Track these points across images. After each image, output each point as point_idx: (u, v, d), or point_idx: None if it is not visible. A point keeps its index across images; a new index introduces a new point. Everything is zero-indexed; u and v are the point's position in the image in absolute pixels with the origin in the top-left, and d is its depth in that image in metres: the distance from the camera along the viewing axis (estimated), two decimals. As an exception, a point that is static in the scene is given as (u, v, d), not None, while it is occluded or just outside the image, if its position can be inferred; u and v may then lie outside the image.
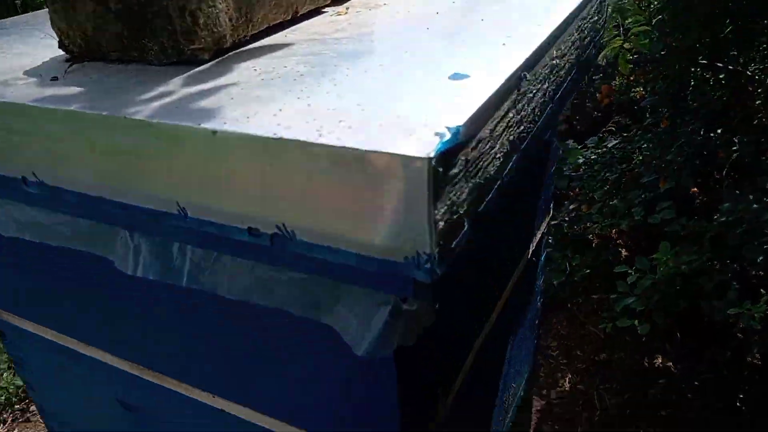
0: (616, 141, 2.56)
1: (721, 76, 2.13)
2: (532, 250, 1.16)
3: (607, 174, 2.44)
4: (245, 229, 0.50)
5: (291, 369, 0.67)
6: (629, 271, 1.92)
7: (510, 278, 1.01)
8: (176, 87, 0.58)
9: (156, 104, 0.54)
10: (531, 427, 1.95)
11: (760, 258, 1.66)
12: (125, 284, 0.66)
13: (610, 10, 1.38)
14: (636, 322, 1.80)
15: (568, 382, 2.32)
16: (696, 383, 2.21)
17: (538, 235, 1.20)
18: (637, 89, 2.68)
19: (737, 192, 1.82)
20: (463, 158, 0.45)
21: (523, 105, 0.57)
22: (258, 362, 0.69)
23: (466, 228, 0.47)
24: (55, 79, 0.64)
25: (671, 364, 2.29)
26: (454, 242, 0.46)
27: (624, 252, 2.57)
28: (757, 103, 2.13)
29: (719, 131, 2.10)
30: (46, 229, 0.67)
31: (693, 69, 2.14)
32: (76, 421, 1.01)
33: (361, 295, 0.53)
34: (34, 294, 0.82)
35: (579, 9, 0.76)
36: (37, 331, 0.87)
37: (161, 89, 0.58)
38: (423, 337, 0.55)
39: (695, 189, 2.36)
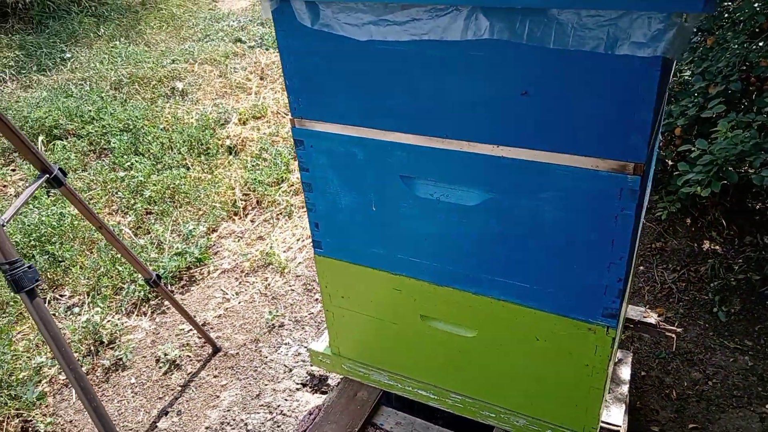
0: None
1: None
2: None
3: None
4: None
5: (575, 103, 1.01)
6: (691, 148, 2.29)
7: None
8: None
9: None
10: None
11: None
12: (440, 63, 1.09)
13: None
14: (698, 188, 2.20)
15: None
16: (740, 260, 2.65)
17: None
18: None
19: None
20: None
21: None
22: (547, 102, 1.03)
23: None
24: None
25: (718, 248, 2.73)
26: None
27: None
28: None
29: (761, 44, 2.49)
30: (400, 28, 1.07)
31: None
32: (338, 215, 1.43)
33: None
34: (343, 97, 1.24)
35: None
36: (335, 131, 1.29)
37: None
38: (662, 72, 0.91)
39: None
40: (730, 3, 2.78)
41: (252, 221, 3.45)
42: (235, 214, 3.51)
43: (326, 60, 1.23)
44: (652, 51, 0.91)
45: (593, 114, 1.03)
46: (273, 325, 2.74)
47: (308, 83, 1.29)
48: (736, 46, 2.52)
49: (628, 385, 1.67)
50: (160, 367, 2.59)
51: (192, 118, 4.43)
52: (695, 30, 2.87)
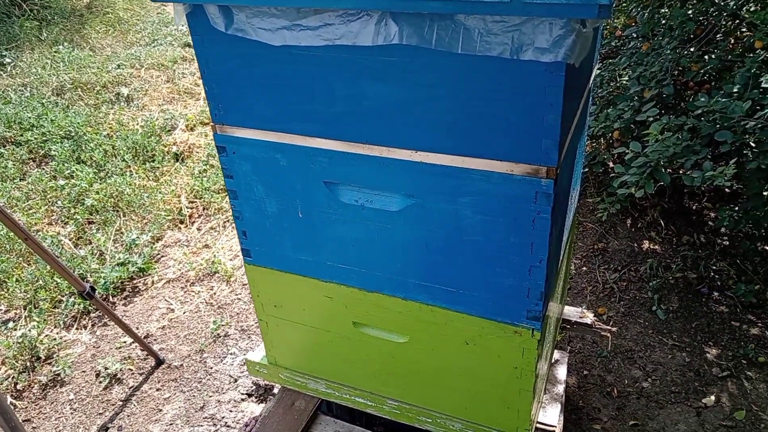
0: (602, 65, 3.09)
1: (693, 2, 2.64)
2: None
3: (599, 91, 2.94)
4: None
5: (486, 108, 1.02)
6: (626, 151, 2.35)
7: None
8: None
9: None
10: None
11: (729, 140, 2.12)
12: (354, 68, 1.08)
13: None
14: (633, 189, 2.24)
15: (574, 267, 2.78)
16: (677, 259, 2.71)
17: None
18: (616, 23, 3.28)
19: (708, 94, 2.27)
20: None
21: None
22: (459, 107, 1.04)
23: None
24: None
25: (657, 247, 2.79)
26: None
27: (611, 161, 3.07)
28: (722, 25, 2.67)
29: (692, 49, 2.59)
30: (313, 32, 1.06)
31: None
32: (265, 223, 1.41)
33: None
34: (262, 102, 1.22)
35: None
36: (257, 136, 1.27)
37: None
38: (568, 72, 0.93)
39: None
40: (667, 10, 2.86)
41: (198, 229, 3.39)
42: (181, 222, 3.44)
43: (243, 65, 1.21)
44: (554, 56, 0.92)
45: (504, 119, 1.03)
46: (218, 335, 2.69)
47: (227, 89, 1.26)
48: (669, 51, 2.59)
49: (564, 385, 1.69)
50: (101, 382, 2.51)
51: (137, 124, 4.33)
52: (633, 35, 2.95)
